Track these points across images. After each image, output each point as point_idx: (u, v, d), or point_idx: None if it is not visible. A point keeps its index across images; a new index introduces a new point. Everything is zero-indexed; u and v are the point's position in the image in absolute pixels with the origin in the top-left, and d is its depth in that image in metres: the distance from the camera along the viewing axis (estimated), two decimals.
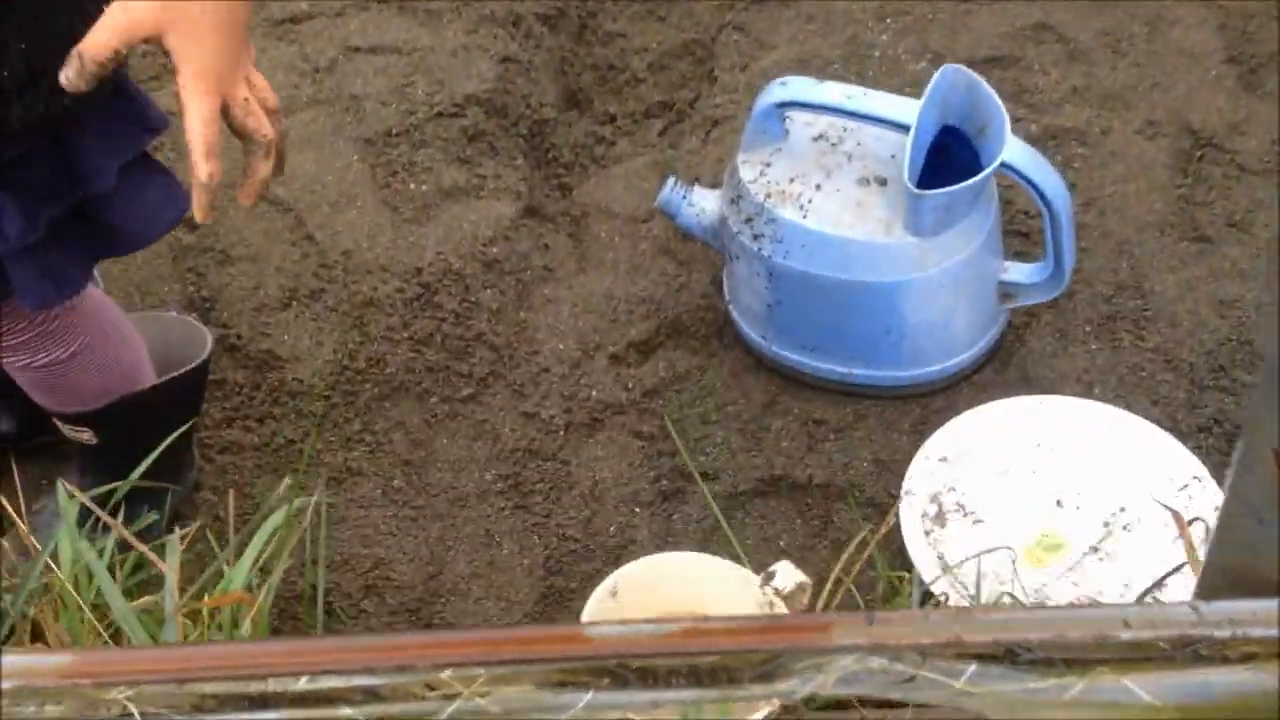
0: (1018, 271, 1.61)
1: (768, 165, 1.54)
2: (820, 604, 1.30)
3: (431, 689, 0.56)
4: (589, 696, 0.56)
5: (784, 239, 1.52)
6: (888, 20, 2.03)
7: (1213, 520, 1.49)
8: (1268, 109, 1.91)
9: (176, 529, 1.28)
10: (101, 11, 0.97)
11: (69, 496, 1.27)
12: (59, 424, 1.44)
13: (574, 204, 1.87)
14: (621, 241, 1.83)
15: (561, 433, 1.68)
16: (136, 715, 0.54)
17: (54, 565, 1.23)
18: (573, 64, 2.03)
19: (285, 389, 1.68)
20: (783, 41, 1.99)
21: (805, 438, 1.66)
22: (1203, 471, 1.54)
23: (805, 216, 1.51)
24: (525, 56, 1.97)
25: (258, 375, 1.69)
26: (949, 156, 1.53)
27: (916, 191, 1.44)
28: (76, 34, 0.96)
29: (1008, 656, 0.60)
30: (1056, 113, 1.92)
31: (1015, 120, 1.73)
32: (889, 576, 1.40)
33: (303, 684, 0.54)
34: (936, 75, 1.48)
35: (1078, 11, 2.06)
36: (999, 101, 1.48)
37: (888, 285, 1.52)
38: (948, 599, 1.42)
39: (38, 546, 1.27)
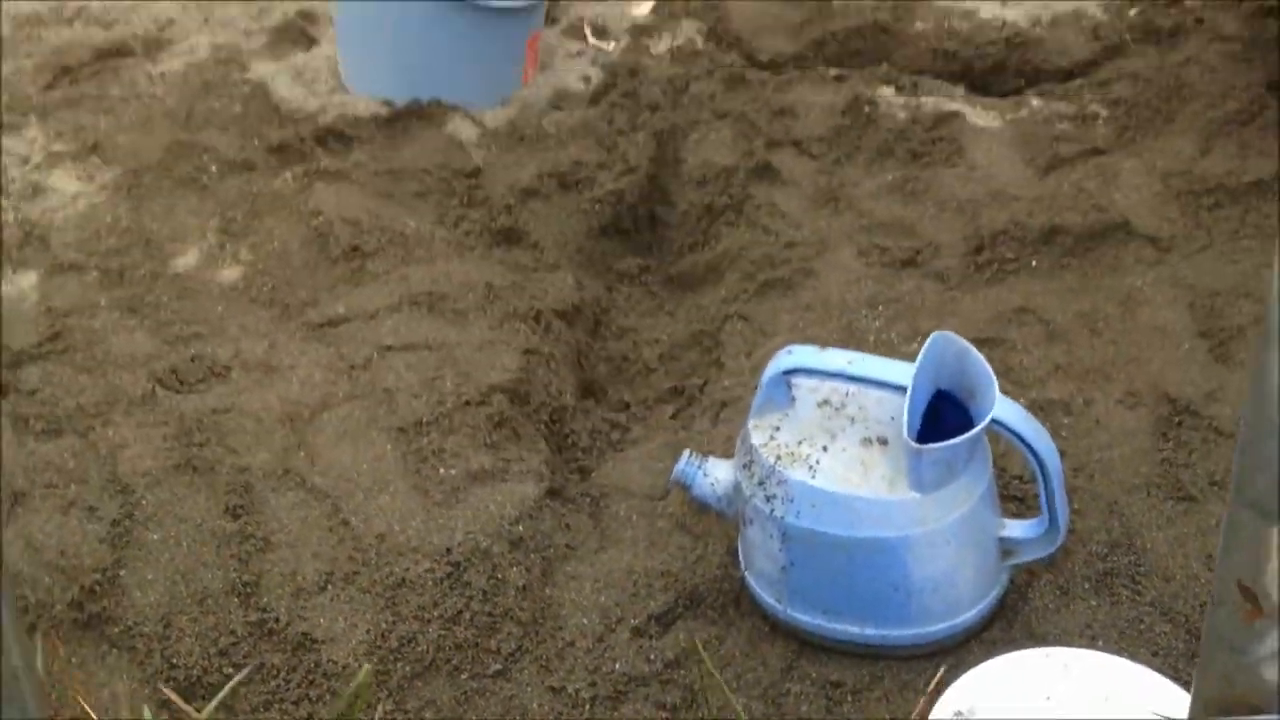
0: (1015, 528, 1.70)
1: (777, 429, 1.66)
2: None
3: None
4: None
5: (795, 499, 1.62)
6: (879, 308, 2.19)
7: None
8: (1239, 378, 2.04)
9: None
10: None
11: None
12: None
13: (593, 485, 1.98)
14: (639, 519, 1.92)
15: (588, 706, 1.73)
16: None
17: None
18: (589, 356, 2.18)
19: (321, 670, 1.75)
20: (783, 329, 2.14)
21: (824, 700, 1.71)
22: None
23: (814, 476, 1.62)
24: (545, 349, 2.12)
25: (294, 658, 1.76)
26: (944, 420, 1.65)
27: (916, 446, 1.55)
28: None
29: None
30: (1042, 388, 2.05)
31: (1002, 393, 1.86)
32: None
33: None
34: (928, 342, 1.62)
35: (1056, 296, 2.22)
36: (987, 365, 1.61)
37: (893, 540, 1.61)
38: None
39: None
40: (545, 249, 2.37)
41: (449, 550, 1.83)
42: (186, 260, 2.34)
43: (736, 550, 1.81)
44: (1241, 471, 0.76)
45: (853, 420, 1.66)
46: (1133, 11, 3.03)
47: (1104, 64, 2.86)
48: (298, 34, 3.03)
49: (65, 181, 2.55)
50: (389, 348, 2.10)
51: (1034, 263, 2.31)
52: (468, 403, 2.00)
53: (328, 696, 1.73)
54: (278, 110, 2.73)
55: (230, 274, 2.30)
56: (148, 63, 2.95)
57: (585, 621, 1.80)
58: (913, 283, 2.27)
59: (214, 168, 2.53)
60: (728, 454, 1.88)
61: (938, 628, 1.69)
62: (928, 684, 1.73)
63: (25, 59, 2.98)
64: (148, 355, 2.12)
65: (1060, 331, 2.15)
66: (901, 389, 1.58)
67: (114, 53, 2.99)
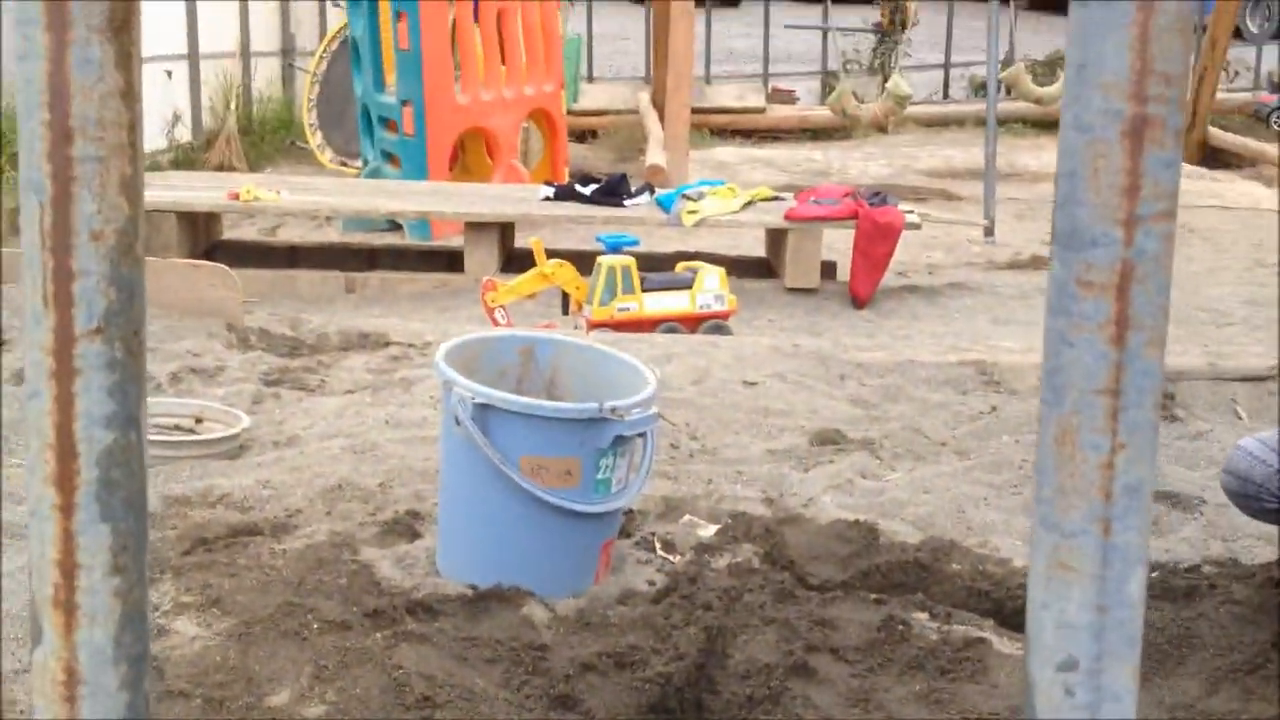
0: None
1: None
2: None
3: None
4: None
5: None
6: None
7: None
8: None
9: None
10: None
11: None
12: None
13: None
14: None
15: None
16: None
17: None
18: None
19: None
20: None
21: None
22: None
23: None
24: None
25: None
26: None
27: None
28: None
29: None
30: None
31: None
32: None
33: None
34: None
35: None
36: None
37: None
38: None
39: None
40: (596, 717, 2.61)
41: None
42: (279, 698, 2.63)
43: None
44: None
45: None
46: (1154, 574, 3.33)
47: None
48: (405, 528, 3.45)
49: (186, 626, 2.90)
50: None
51: None
52: None
53: None
54: (378, 585, 3.09)
55: (315, 711, 2.58)
56: (273, 541, 3.37)
57: None
58: None
59: (315, 625, 2.87)
60: None
61: None
62: None
63: (170, 530, 3.43)
64: None
65: None
66: None
67: (246, 531, 3.43)
